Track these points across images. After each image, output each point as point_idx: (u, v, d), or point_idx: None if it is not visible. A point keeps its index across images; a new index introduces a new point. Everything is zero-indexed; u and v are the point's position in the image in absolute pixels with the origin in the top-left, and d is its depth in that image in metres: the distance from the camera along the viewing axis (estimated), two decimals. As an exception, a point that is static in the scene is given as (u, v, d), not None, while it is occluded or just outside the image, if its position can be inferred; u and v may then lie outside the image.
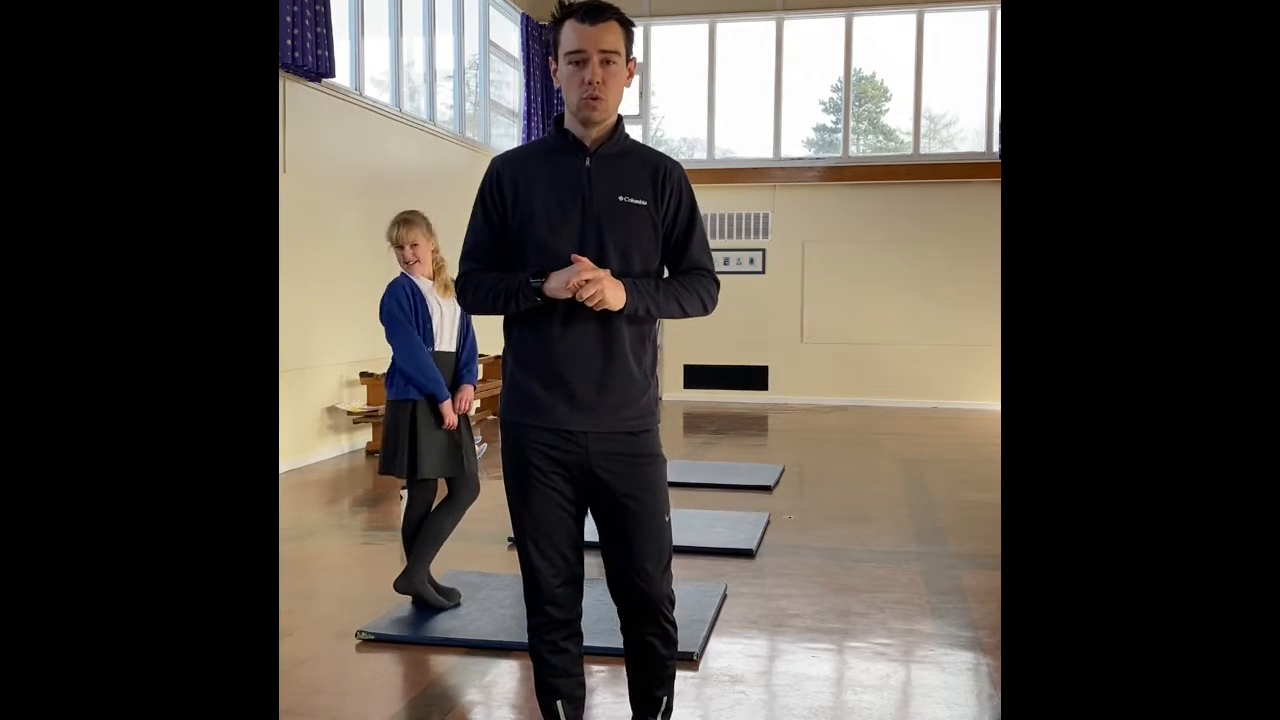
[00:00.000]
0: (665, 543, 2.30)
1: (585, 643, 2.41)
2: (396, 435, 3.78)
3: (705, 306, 2.31)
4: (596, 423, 2.21)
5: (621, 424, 2.23)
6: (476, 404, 9.73)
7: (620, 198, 2.19)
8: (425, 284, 3.81)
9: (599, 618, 3.15)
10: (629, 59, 2.19)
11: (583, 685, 2.37)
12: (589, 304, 2.11)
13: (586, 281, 2.09)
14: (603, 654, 3.17)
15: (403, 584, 3.85)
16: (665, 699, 2.39)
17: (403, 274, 3.81)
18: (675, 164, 2.29)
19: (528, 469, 2.25)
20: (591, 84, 2.12)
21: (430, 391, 3.75)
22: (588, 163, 2.20)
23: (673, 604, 2.35)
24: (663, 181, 2.24)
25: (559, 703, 2.33)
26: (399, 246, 3.80)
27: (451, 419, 3.78)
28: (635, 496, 2.24)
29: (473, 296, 2.26)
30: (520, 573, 2.34)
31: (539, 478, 2.24)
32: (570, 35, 2.14)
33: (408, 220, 3.82)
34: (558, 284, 2.12)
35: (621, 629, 2.38)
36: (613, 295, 2.12)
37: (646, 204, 2.22)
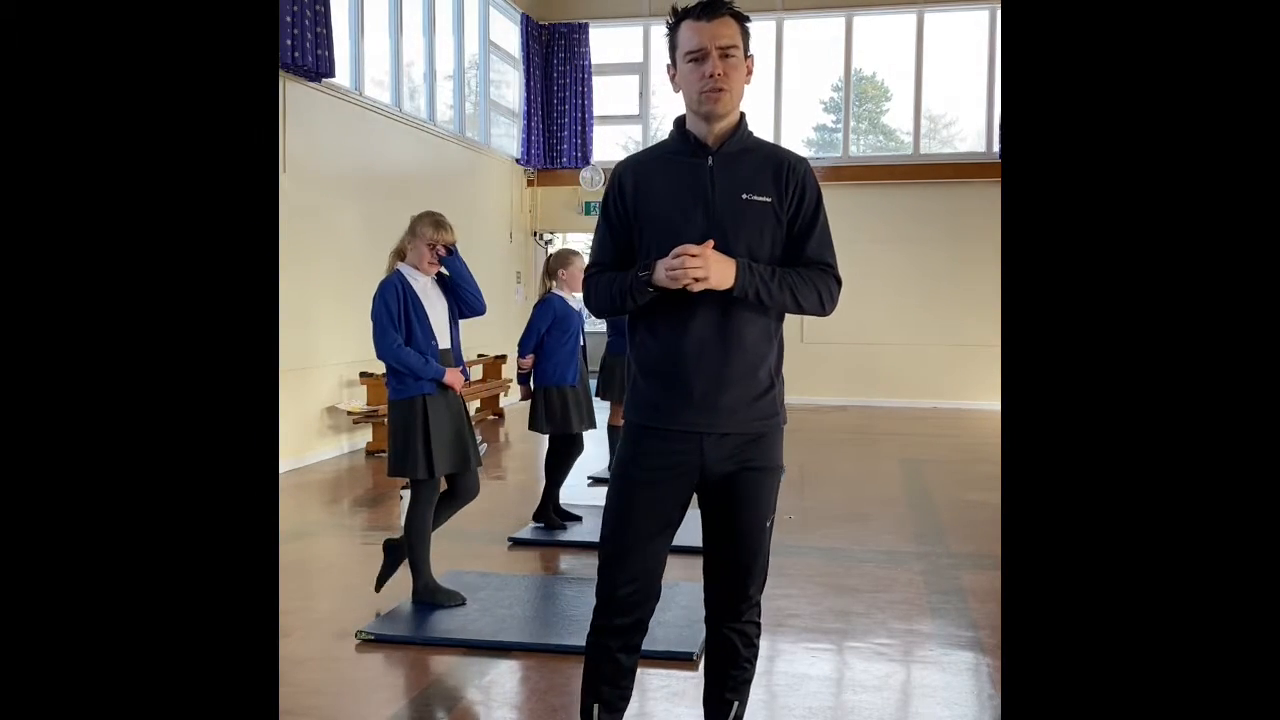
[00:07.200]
0: (763, 547, 2.26)
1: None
2: (406, 434, 3.74)
3: (823, 303, 2.19)
4: (715, 423, 2.16)
5: (741, 425, 2.17)
6: (475, 404, 9.75)
7: (744, 196, 2.15)
8: (421, 280, 3.81)
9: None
10: (747, 54, 2.17)
11: (625, 698, 2.31)
12: (693, 283, 2.04)
13: (691, 259, 2.02)
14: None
15: (421, 593, 3.86)
16: (736, 705, 2.33)
17: (396, 271, 3.80)
18: (800, 159, 2.23)
19: (634, 472, 2.21)
20: (713, 76, 2.09)
21: (430, 376, 3.75)
22: (710, 162, 2.16)
23: (759, 609, 2.31)
24: (787, 177, 2.18)
25: (596, 706, 2.29)
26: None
27: (456, 382, 3.84)
28: (744, 505, 2.21)
29: (594, 298, 2.24)
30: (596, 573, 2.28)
31: (644, 484, 2.19)
32: (688, 35, 2.12)
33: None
34: (662, 272, 2.07)
35: (706, 624, 2.34)
36: (719, 273, 2.05)
37: (770, 200, 2.16)
